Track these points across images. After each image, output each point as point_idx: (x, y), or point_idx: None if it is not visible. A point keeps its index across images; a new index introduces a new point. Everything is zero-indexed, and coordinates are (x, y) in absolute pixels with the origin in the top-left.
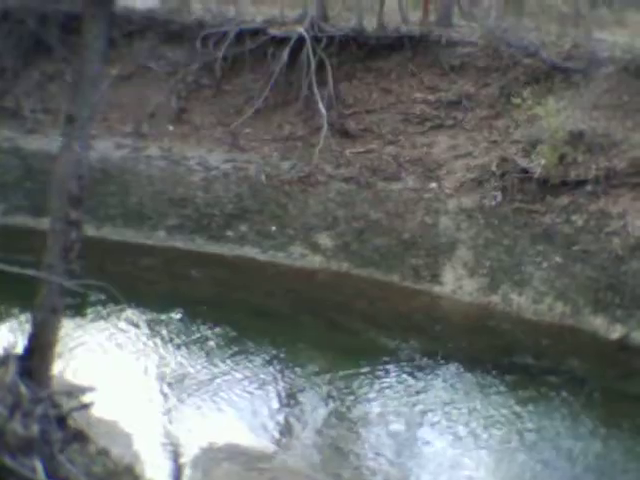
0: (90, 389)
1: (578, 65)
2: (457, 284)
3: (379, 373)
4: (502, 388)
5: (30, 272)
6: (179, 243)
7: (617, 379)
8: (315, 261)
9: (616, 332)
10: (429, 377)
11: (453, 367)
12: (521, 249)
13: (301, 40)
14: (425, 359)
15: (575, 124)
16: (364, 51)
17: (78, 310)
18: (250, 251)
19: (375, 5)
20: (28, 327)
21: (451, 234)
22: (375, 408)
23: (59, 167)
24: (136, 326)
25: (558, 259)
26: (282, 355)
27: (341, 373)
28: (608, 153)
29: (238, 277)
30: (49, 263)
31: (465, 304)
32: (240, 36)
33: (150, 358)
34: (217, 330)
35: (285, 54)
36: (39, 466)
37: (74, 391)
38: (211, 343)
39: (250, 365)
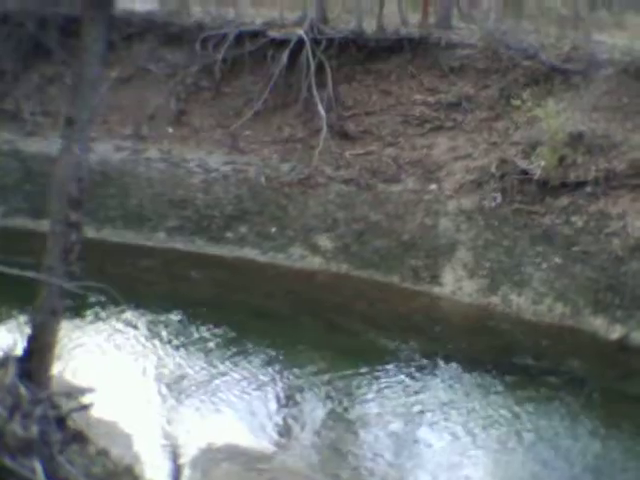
0: (89, 390)
1: (577, 67)
2: (457, 285)
3: (378, 374)
4: (502, 388)
5: (30, 274)
6: (179, 244)
7: (617, 379)
8: (315, 262)
9: (616, 332)
10: (428, 378)
11: (453, 368)
12: (521, 250)
13: (300, 42)
14: (425, 360)
15: (575, 126)
16: (364, 53)
17: (78, 311)
18: (250, 252)
19: (374, 7)
20: (28, 329)
21: (451, 235)
22: (374, 409)
23: (59, 169)
24: (136, 327)
25: (558, 260)
26: (282, 356)
27: (340, 374)
28: (608, 154)
29: (238, 278)
30: (49, 265)
31: (465, 305)
32: (239, 38)
33: (150, 359)
34: (217, 331)
35: (284, 56)
36: (39, 467)
37: (73, 392)
38: (211, 344)
39: (249, 366)
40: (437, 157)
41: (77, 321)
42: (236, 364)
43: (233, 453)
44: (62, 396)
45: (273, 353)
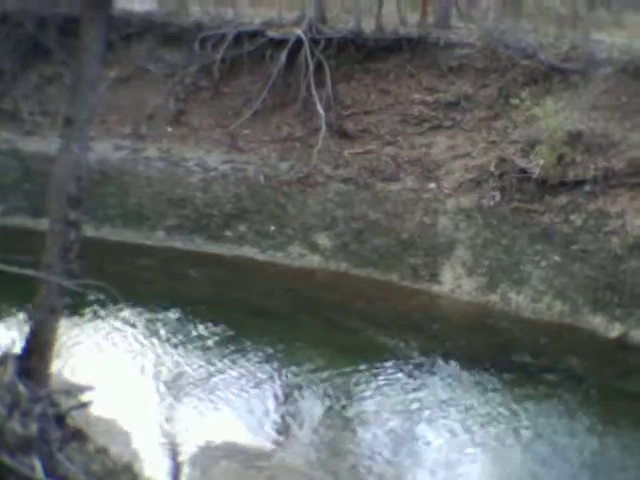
0: (89, 388)
1: (576, 66)
2: (456, 283)
3: (377, 372)
4: (500, 386)
5: (29, 272)
6: (178, 243)
7: (616, 377)
8: (314, 261)
9: (615, 331)
10: (427, 376)
11: (451, 366)
12: (520, 248)
13: (299, 42)
14: (423, 358)
15: (573, 124)
16: (362, 53)
17: (77, 310)
18: (249, 251)
19: (373, 7)
20: (27, 327)
21: (450, 234)
22: (373, 406)
23: (58, 169)
24: (135, 325)
25: (557, 258)
26: (280, 354)
27: (339, 372)
28: (606, 153)
29: (237, 277)
30: (48, 263)
31: (464, 303)
32: (238, 38)
33: (149, 357)
34: (216, 329)
35: (283, 56)
36: (38, 465)
37: (73, 390)
38: (210, 342)
39: (248, 364)
40: (436, 156)
41: (76, 319)
42: (235, 362)
43: (232, 451)
44: (61, 394)
45: (272, 351)
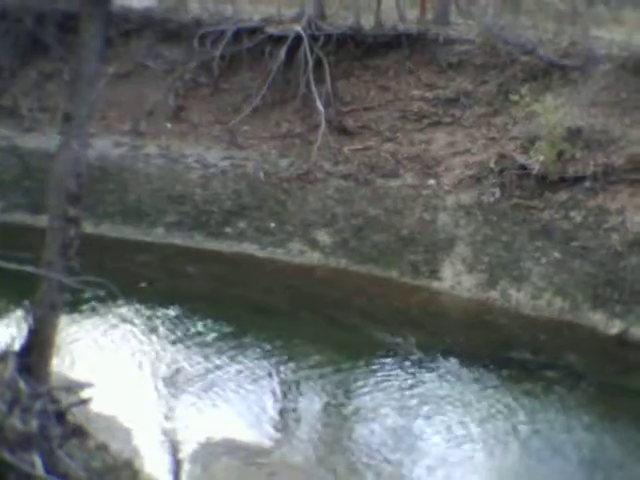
0: (89, 385)
1: (575, 62)
2: (456, 280)
3: (377, 368)
4: (499, 383)
5: (29, 269)
6: (178, 240)
7: (616, 374)
8: (314, 257)
9: (615, 327)
10: (427, 372)
11: (451, 362)
12: (520, 245)
13: (298, 38)
14: (423, 354)
15: (573, 121)
16: (362, 49)
17: (77, 306)
18: (249, 247)
19: (372, 3)
20: (27, 323)
21: (450, 230)
22: (372, 403)
23: (57, 165)
24: (135, 322)
25: (557, 255)
26: (280, 350)
27: (339, 368)
28: (606, 149)
29: (236, 273)
30: (48, 260)
31: (464, 300)
32: (237, 35)
33: (149, 354)
34: (215, 326)
35: (282, 52)
36: (38, 461)
37: (73, 386)
38: (210, 339)
39: (248, 361)
40: (435, 152)
41: (76, 316)
42: (234, 359)
43: (232, 447)
44: (61, 390)
45: (271, 347)
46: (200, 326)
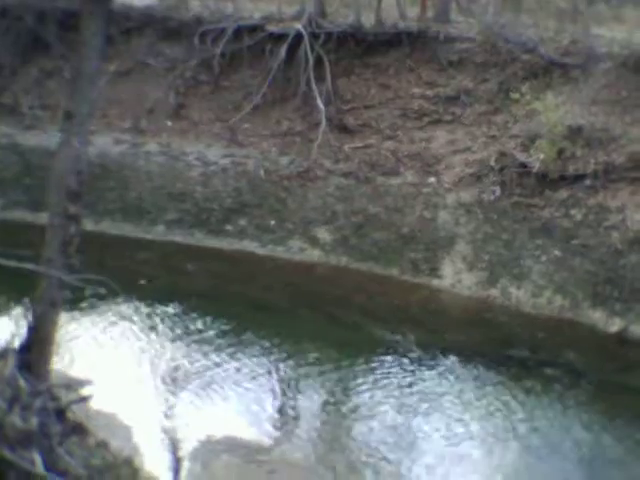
0: (89, 382)
1: (576, 61)
2: (456, 278)
3: (377, 366)
4: (499, 380)
5: (29, 266)
6: (178, 237)
7: (616, 372)
8: (314, 255)
9: (615, 325)
10: (427, 370)
11: (451, 360)
12: (520, 243)
13: (299, 36)
14: (423, 352)
15: (574, 119)
16: (362, 47)
17: (77, 304)
18: (249, 245)
19: (373, 1)
20: (27, 321)
21: (450, 228)
22: (372, 401)
23: (58, 163)
24: (135, 320)
25: (557, 253)
26: (280, 348)
27: (339, 366)
28: (607, 148)
29: (237, 271)
30: (48, 257)
31: (464, 298)
32: (238, 32)
33: (149, 351)
34: (216, 323)
35: (283, 50)
36: (38, 459)
37: (73, 384)
38: (210, 336)
39: (249, 358)
40: (436, 150)
41: (76, 313)
42: (235, 356)
43: (232, 445)
44: (61, 388)
45: (271, 345)
46: (200, 323)
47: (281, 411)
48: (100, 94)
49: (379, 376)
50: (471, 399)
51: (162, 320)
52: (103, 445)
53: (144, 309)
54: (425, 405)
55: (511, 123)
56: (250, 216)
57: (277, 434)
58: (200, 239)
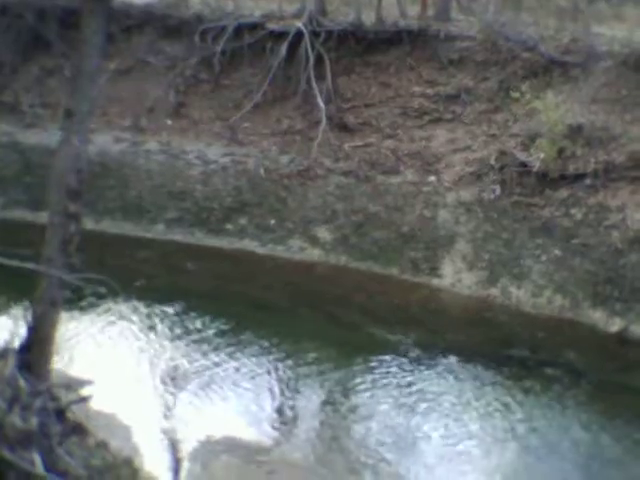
0: (89, 382)
1: (577, 59)
2: (456, 277)
3: (377, 366)
4: (498, 380)
5: (30, 265)
6: (178, 236)
7: (616, 372)
8: (314, 254)
9: (615, 325)
10: (426, 370)
11: (451, 360)
12: (520, 242)
13: (299, 35)
14: (423, 352)
15: (574, 118)
16: (362, 45)
17: (77, 303)
18: (249, 244)
19: (373, 0)
20: (27, 320)
21: (450, 227)
22: (372, 400)
23: (58, 161)
24: (135, 319)
25: (557, 252)
26: (280, 348)
27: (338, 366)
28: (607, 147)
29: (237, 270)
30: (48, 256)
31: (464, 297)
32: (238, 30)
33: (149, 351)
34: (215, 323)
35: (283, 49)
36: (38, 459)
37: (73, 384)
38: (210, 336)
39: (248, 358)
40: (436, 149)
41: (76, 313)
42: (234, 356)
43: (232, 445)
44: (61, 388)
45: (271, 345)
46: (200, 323)
47: (280, 411)
48: (100, 92)
49: (378, 376)
50: (471, 399)
51: (162, 319)
52: (103, 445)
53: (144, 308)
54: (424, 405)
55: (511, 122)
56: (250, 215)
57: (277, 434)
58: (200, 238)
